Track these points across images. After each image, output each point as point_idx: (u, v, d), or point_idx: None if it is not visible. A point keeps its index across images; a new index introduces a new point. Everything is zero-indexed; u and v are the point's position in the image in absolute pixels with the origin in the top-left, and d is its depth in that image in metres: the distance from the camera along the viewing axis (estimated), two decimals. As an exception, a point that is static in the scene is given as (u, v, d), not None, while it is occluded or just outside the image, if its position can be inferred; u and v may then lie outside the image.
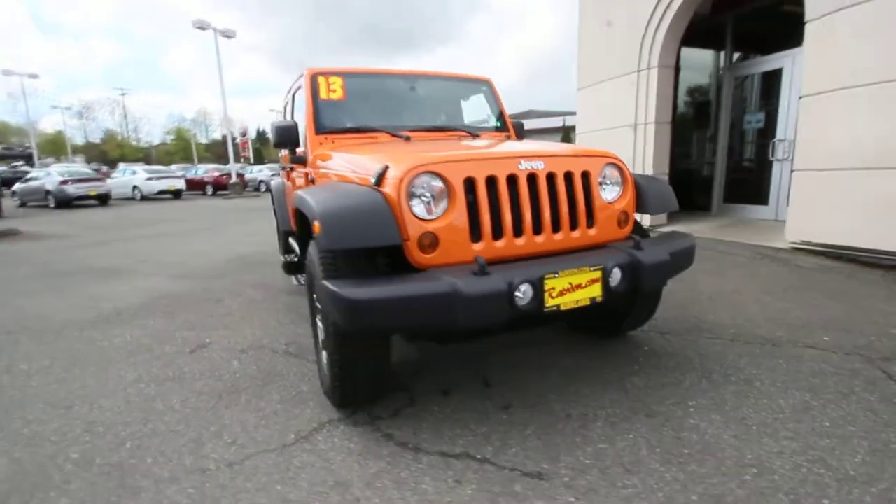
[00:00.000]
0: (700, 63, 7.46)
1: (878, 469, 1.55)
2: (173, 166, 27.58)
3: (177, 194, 18.79)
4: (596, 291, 1.85)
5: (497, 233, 1.87)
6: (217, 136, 59.10)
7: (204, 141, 57.51)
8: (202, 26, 16.89)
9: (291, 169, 3.53)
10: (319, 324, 2.17)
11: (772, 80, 6.40)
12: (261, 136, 58.27)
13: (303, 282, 3.35)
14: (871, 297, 3.29)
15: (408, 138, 2.77)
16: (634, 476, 1.57)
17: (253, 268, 5.16)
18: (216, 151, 54.49)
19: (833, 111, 4.35)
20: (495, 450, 1.74)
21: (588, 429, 1.85)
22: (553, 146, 2.33)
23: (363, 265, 1.85)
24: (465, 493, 1.53)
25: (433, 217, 1.79)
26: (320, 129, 2.84)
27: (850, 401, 1.97)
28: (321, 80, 2.97)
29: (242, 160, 30.07)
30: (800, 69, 5.91)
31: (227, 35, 18.08)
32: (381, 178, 1.81)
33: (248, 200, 17.23)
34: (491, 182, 1.86)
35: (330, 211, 1.68)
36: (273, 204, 4.65)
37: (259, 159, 45.41)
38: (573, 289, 1.80)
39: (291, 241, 4.17)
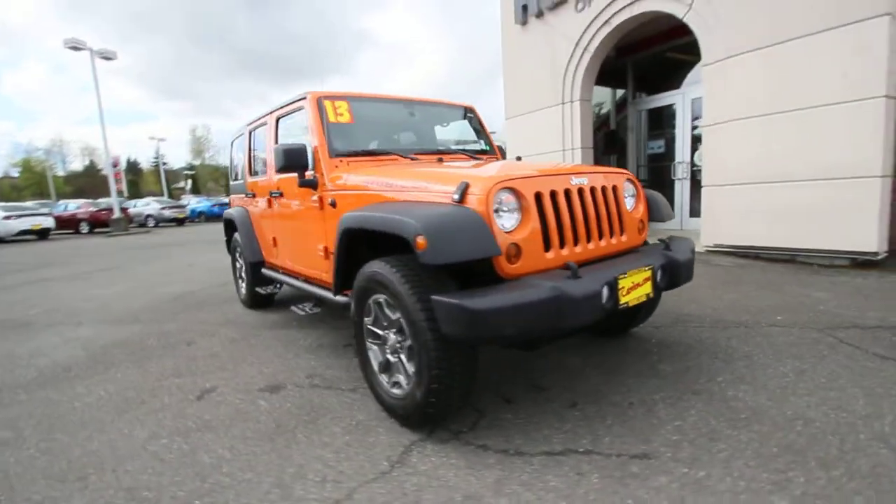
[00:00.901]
0: (609, 98, 8.61)
1: (878, 408, 1.98)
2: (29, 203, 23.51)
3: (43, 234, 15.98)
4: (649, 289, 2.11)
5: (561, 241, 2.05)
6: (76, 167, 51.58)
7: (61, 173, 49.74)
8: (76, 46, 14.89)
9: (280, 195, 3.36)
10: (389, 345, 2.12)
11: (668, 113, 7.62)
12: (132, 166, 52.08)
13: (309, 310, 3.16)
14: (789, 283, 4.09)
15: (414, 160, 2.86)
16: (719, 442, 1.80)
17: (202, 307, 4.66)
18: (78, 184, 47.44)
19: (730, 138, 5.35)
20: (591, 442, 1.87)
21: (655, 412, 2.06)
22: (578, 166, 2.60)
23: (445, 278, 1.89)
24: (593, 482, 1.62)
25: (513, 229, 1.91)
26: (334, 152, 2.79)
27: (827, 362, 2.46)
28: (327, 103, 2.93)
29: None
30: (689, 104, 7.13)
31: (107, 57, 16.16)
32: (464, 195, 1.88)
33: (138, 237, 15.27)
34: (552, 196, 2.04)
35: (435, 226, 1.71)
36: (236, 236, 4.32)
37: (135, 193, 40.53)
38: (635, 287, 2.03)
39: (266, 272, 3.92)
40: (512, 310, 1.64)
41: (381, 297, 2.05)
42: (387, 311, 2.05)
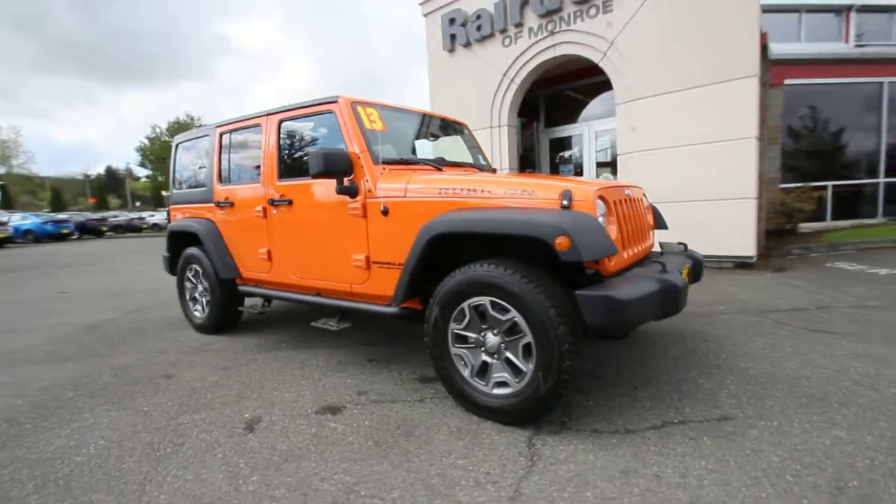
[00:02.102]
0: (517, 126, 9.50)
1: (841, 365, 2.66)
2: None
3: None
4: (688, 282, 2.53)
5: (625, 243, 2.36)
6: None
7: None
8: None
9: (288, 203, 3.09)
10: (487, 347, 2.15)
11: (576, 142, 8.74)
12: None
13: (337, 325, 2.93)
14: (716, 283, 5.02)
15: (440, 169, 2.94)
16: (765, 400, 2.24)
17: (141, 336, 3.93)
18: None
19: (640, 165, 6.40)
20: (676, 414, 2.16)
21: (701, 385, 2.46)
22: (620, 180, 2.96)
23: (552, 277, 2.04)
24: (707, 443, 1.91)
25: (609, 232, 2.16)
26: (377, 159, 2.72)
27: (782, 337, 3.17)
28: (360, 109, 2.85)
29: None
30: (594, 135, 8.29)
31: None
32: (571, 201, 2.06)
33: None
34: (616, 205, 2.35)
35: (575, 226, 1.85)
36: (192, 253, 3.81)
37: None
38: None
39: (247, 289, 3.54)
40: (644, 299, 1.87)
41: (485, 300, 2.10)
42: (493, 312, 2.09)
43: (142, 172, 51.16)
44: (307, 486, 1.73)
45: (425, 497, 1.64)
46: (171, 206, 4.26)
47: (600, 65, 6.64)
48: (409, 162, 2.91)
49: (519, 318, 2.00)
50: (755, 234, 5.74)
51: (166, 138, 23.96)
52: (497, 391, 2.15)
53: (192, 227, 3.78)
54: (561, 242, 1.83)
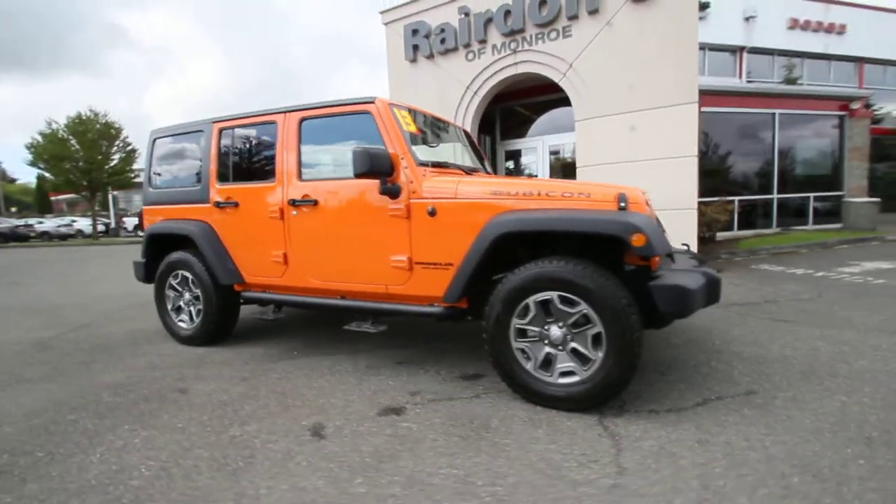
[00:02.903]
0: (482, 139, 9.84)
1: (813, 348, 3.16)
2: None
3: None
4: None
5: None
6: None
7: None
8: None
9: (313, 203, 2.99)
10: (551, 340, 2.28)
11: (529, 153, 9.26)
12: None
13: (374, 328, 2.87)
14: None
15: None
16: (773, 376, 2.62)
17: (116, 352, 3.52)
18: None
19: (597, 178, 6.97)
20: (711, 391, 2.45)
21: (716, 368, 2.79)
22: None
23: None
24: (748, 414, 2.20)
25: (649, 231, 2.41)
26: (418, 161, 2.75)
27: (752, 326, 3.67)
28: (396, 111, 2.87)
29: None
30: (547, 149, 8.85)
31: None
32: (627, 203, 2.28)
33: None
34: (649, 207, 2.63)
35: (647, 226, 2.06)
36: (179, 257, 3.54)
37: None
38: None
39: (251, 294, 3.35)
40: (701, 289, 2.13)
41: (553, 294, 2.23)
42: (560, 306, 2.23)
43: (24, 173, 44.43)
44: (419, 482, 1.73)
45: (541, 479, 1.72)
46: (147, 207, 3.86)
47: (560, 84, 7.16)
48: (443, 166, 2.98)
49: (588, 310, 2.17)
50: (696, 240, 6.53)
51: (63, 134, 21.00)
52: (563, 380, 2.28)
53: (185, 230, 3.47)
54: (637, 239, 2.03)
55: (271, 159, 3.20)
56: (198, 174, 3.56)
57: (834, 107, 11.30)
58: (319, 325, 4.13)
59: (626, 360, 2.11)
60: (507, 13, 7.22)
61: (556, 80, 7.17)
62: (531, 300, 2.29)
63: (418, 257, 2.70)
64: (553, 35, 7.01)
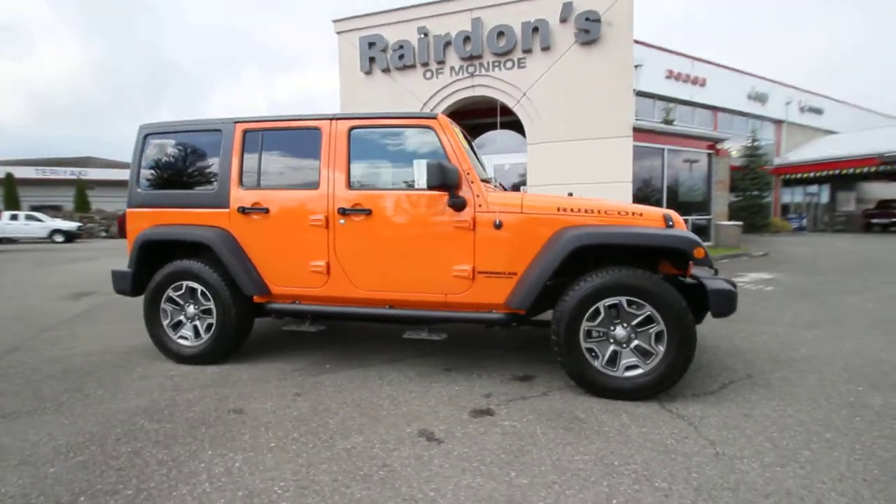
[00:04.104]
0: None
1: (797, 341, 3.96)
2: None
3: None
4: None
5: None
6: None
7: None
8: None
9: (368, 213, 2.97)
10: (617, 339, 2.61)
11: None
12: None
13: (436, 336, 2.92)
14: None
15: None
16: (758, 363, 3.28)
17: (109, 375, 3.07)
18: None
19: (547, 196, 7.67)
20: (726, 377, 2.99)
21: (712, 358, 3.38)
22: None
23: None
24: (766, 391, 2.75)
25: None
26: (481, 176, 2.94)
27: (722, 324, 4.45)
28: (454, 127, 3.03)
29: None
30: (491, 167, 9.41)
31: None
32: (673, 222, 2.73)
33: None
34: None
35: (700, 241, 2.51)
36: (186, 266, 3.23)
37: None
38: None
39: (281, 307, 3.21)
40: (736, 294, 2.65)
41: (622, 299, 2.58)
42: (628, 309, 2.59)
43: None
44: (566, 469, 1.91)
45: (660, 455, 2.02)
46: (134, 209, 3.42)
47: (514, 109, 7.79)
48: (485, 180, 3.19)
49: (653, 312, 2.55)
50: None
51: None
52: (628, 374, 2.63)
53: (200, 236, 3.16)
54: (698, 252, 2.48)
55: (312, 166, 3.10)
56: (212, 176, 3.27)
57: (705, 146, 13.78)
58: (323, 339, 3.98)
59: (686, 352, 2.53)
60: (467, 38, 7.66)
61: (511, 105, 7.78)
62: (601, 304, 2.61)
63: (482, 267, 2.86)
64: (509, 64, 7.62)
